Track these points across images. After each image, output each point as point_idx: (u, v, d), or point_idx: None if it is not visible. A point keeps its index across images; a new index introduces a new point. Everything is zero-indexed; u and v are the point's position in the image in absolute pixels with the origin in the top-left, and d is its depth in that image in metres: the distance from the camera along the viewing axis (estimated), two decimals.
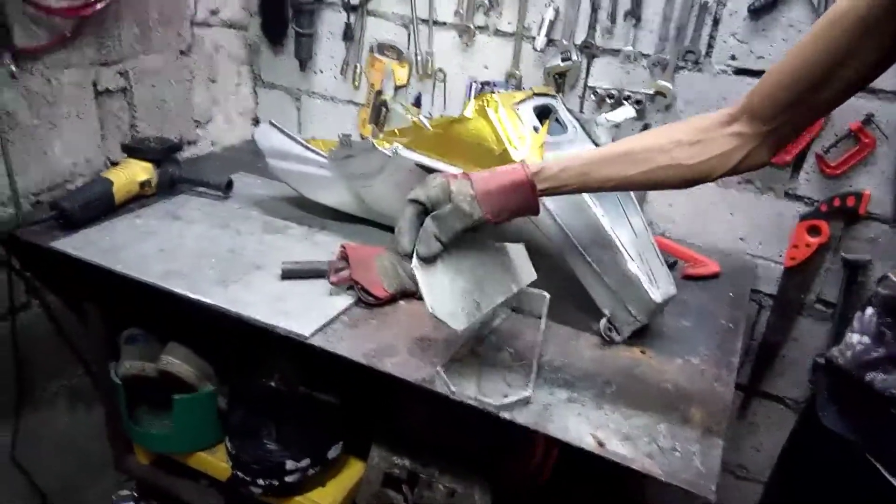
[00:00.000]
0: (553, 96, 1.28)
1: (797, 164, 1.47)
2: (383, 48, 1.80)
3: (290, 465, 1.48)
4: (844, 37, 0.68)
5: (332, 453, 1.53)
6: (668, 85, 1.51)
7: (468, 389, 1.00)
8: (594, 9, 1.53)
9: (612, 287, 1.13)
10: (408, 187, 1.31)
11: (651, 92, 1.53)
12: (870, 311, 0.76)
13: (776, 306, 1.58)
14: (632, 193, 1.21)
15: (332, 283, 1.22)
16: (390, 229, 1.45)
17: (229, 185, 1.59)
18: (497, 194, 0.88)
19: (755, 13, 1.39)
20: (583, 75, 1.60)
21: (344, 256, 1.24)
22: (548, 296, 1.18)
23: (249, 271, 1.28)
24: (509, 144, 1.15)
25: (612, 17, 1.52)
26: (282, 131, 1.47)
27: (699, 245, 1.60)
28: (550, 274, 1.14)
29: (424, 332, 1.15)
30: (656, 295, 1.11)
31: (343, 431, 1.56)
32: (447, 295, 0.93)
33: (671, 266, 1.45)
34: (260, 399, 1.58)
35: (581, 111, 1.63)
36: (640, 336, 1.18)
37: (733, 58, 1.45)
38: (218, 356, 1.57)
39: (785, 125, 0.77)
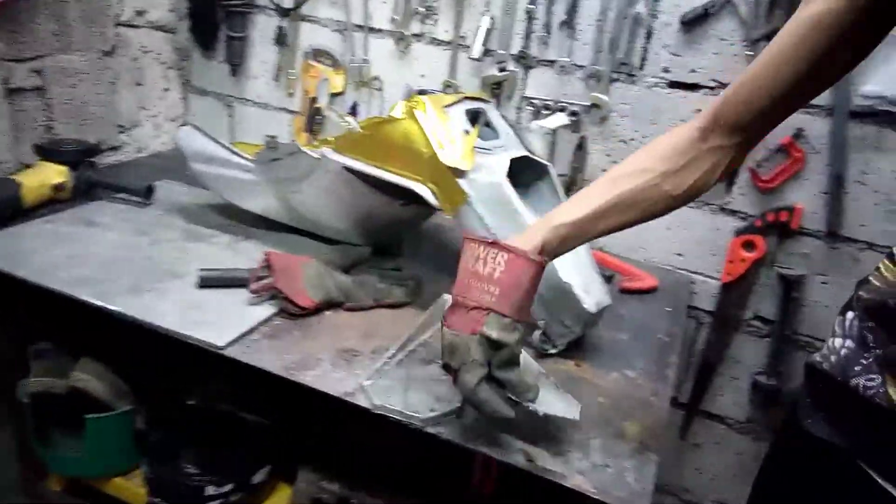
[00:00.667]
0: (486, 101, 1.25)
1: (731, 179, 1.47)
2: (318, 54, 1.75)
3: (211, 490, 1.39)
4: (825, 41, 0.67)
5: (259, 478, 1.44)
6: (604, 97, 1.50)
7: (393, 403, 0.94)
8: (530, 18, 1.51)
9: (545, 297, 1.09)
10: (336, 192, 1.27)
11: (587, 104, 1.52)
12: (850, 314, 0.75)
13: (714, 323, 1.58)
14: (562, 196, 1.18)
15: (252, 292, 1.14)
16: (321, 238, 1.40)
17: (150, 190, 1.50)
18: (523, 298, 0.82)
19: (687, 25, 1.40)
20: (519, 86, 1.58)
21: (267, 264, 1.17)
22: None
23: (165, 279, 1.20)
24: (438, 147, 1.11)
25: (548, 28, 1.51)
26: (206, 134, 1.40)
27: (638, 260, 1.58)
28: None
29: (350, 344, 1.09)
30: (590, 304, 1.08)
31: (271, 454, 1.47)
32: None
33: (608, 279, 1.43)
34: (180, 419, 1.49)
35: (518, 122, 1.61)
36: (576, 348, 1.15)
37: (666, 70, 1.45)
38: (135, 373, 1.47)
39: (759, 129, 0.78)
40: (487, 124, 1.24)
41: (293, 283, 1.15)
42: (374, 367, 1.02)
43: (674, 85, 1.46)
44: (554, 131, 1.25)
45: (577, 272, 1.10)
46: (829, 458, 0.76)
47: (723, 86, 1.42)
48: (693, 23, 1.39)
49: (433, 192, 1.13)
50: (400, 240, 1.39)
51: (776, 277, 1.49)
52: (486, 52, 1.58)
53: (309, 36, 1.76)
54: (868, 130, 1.34)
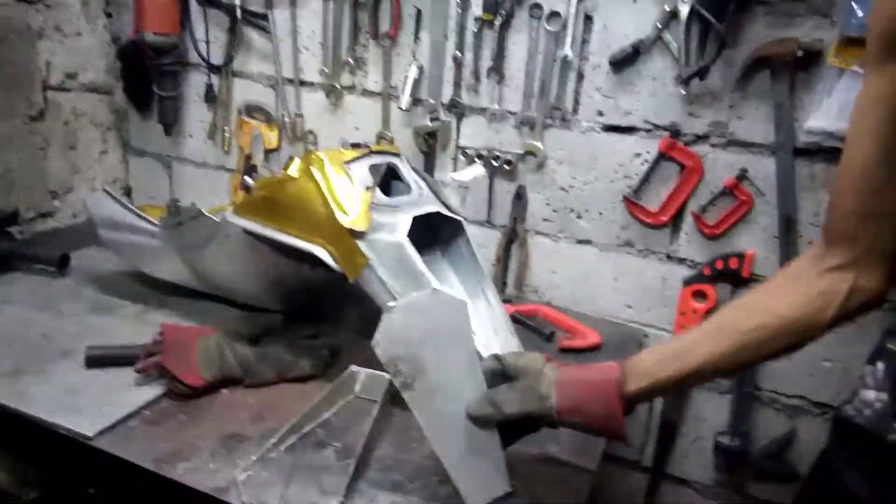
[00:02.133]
0: (396, 155, 1.17)
1: (675, 225, 1.38)
2: (251, 110, 1.70)
3: None
4: (888, 121, 0.65)
5: None
6: (538, 144, 1.42)
7: (269, 498, 0.84)
8: (458, 66, 1.45)
9: None
10: (240, 257, 1.19)
11: (521, 151, 1.44)
12: (880, 365, 0.73)
13: None
14: (477, 253, 1.09)
15: (137, 371, 1.05)
16: (236, 305, 1.31)
17: (64, 260, 1.42)
18: (576, 386, 0.80)
19: (617, 66, 1.32)
20: (454, 135, 1.51)
21: (160, 339, 1.09)
22: (387, 377, 1.04)
23: (54, 359, 1.11)
24: (335, 206, 1.02)
25: (477, 75, 1.44)
26: (115, 199, 1.33)
27: (586, 314, 1.48)
28: None
29: (237, 428, 0.99)
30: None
31: None
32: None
33: (548, 337, 1.33)
34: None
35: (474, 178, 1.53)
36: None
37: (600, 114, 1.38)
38: (43, 459, 1.37)
39: (878, 240, 0.70)
40: (399, 179, 1.16)
41: (184, 359, 1.06)
42: (257, 455, 0.91)
43: (609, 129, 1.38)
44: (467, 183, 1.17)
45: (486, 340, 1.00)
46: None
47: (658, 128, 1.34)
48: (623, 63, 1.32)
49: (332, 255, 1.04)
50: (318, 304, 1.29)
51: None
52: (417, 101, 1.51)
53: (242, 92, 1.71)
54: (817, 168, 1.25)
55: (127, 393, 1.03)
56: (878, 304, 0.73)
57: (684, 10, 1.25)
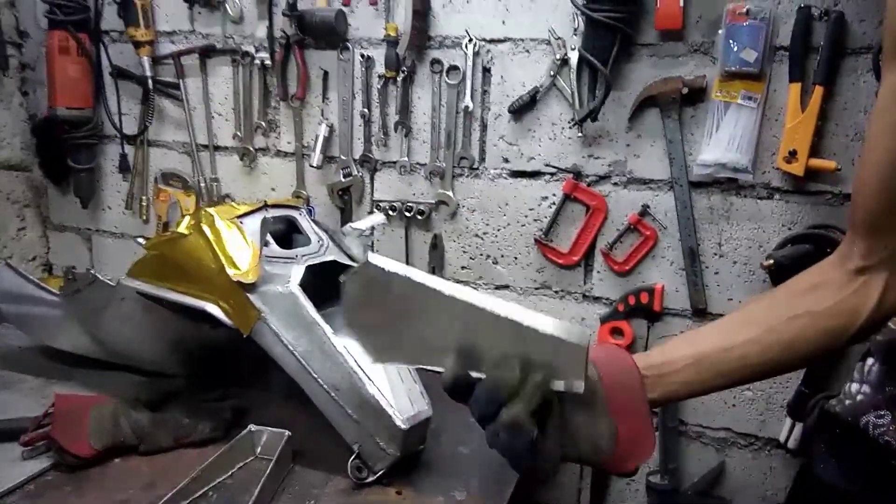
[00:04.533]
0: (295, 208, 1.17)
1: (587, 264, 1.39)
2: (168, 178, 1.69)
3: None
4: None
5: None
6: (449, 193, 1.44)
7: None
8: (366, 122, 1.47)
9: (353, 415, 0.97)
10: (137, 320, 1.16)
11: (433, 201, 1.46)
12: (870, 360, 0.73)
13: None
14: None
15: (22, 444, 1.00)
16: (142, 373, 1.27)
17: None
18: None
19: (516, 113, 1.36)
20: (368, 189, 1.52)
21: (51, 410, 1.04)
22: (287, 434, 1.01)
23: None
24: (226, 260, 1.01)
25: (385, 130, 1.46)
26: (16, 271, 1.30)
27: None
28: (309, 404, 0.99)
29: (126, 497, 0.94)
30: (401, 420, 0.95)
31: None
32: None
33: None
34: None
35: (373, 227, 1.53)
36: (402, 471, 1.01)
37: (506, 160, 1.40)
38: None
39: None
40: (298, 231, 1.16)
41: (74, 429, 1.01)
42: None
43: (515, 174, 1.41)
44: (367, 231, 1.17)
45: (389, 379, 0.98)
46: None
47: (561, 170, 1.37)
48: (522, 111, 1.36)
49: (224, 311, 1.02)
50: (226, 365, 1.26)
51: None
52: (330, 159, 1.52)
53: (158, 161, 1.71)
54: (715, 200, 1.29)
55: (10, 468, 0.98)
56: None
57: (574, 58, 1.30)
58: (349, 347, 0.97)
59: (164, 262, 1.07)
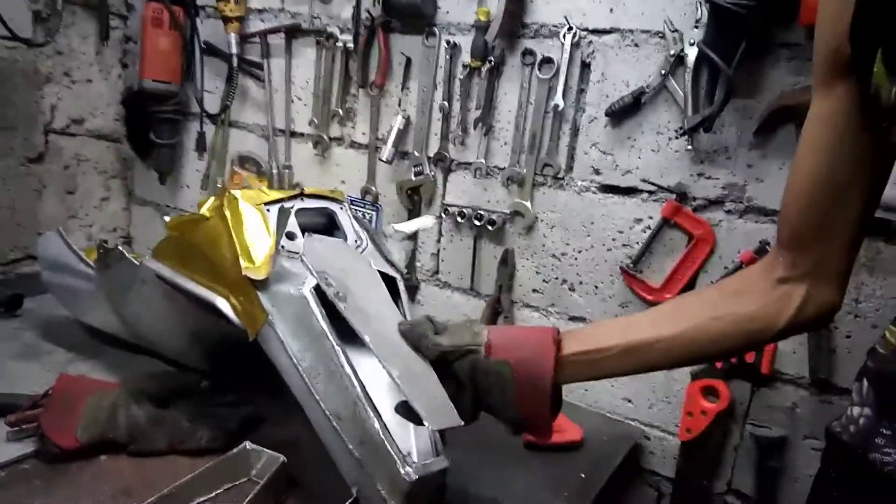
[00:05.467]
0: (337, 200, 1.03)
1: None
2: (244, 161, 1.62)
3: None
4: (835, 141, 0.65)
5: None
6: (527, 203, 1.25)
7: None
8: (445, 116, 1.31)
9: (354, 451, 0.80)
10: (156, 305, 1.06)
11: (508, 211, 1.27)
12: (865, 382, 0.72)
13: (676, 495, 1.19)
14: (407, 313, 0.91)
15: (8, 424, 0.92)
16: (168, 361, 1.17)
17: (14, 301, 1.35)
18: (510, 330, 0.91)
19: (615, 117, 1.15)
20: (440, 191, 1.36)
21: (50, 391, 0.96)
22: (282, 459, 0.87)
23: None
24: (241, 253, 0.88)
25: (464, 126, 1.30)
26: (64, 240, 1.25)
27: (577, 405, 1.25)
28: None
29: (94, 502, 0.83)
30: (407, 467, 0.78)
31: None
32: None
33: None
34: None
35: (440, 233, 1.37)
36: None
37: (597, 171, 1.19)
38: None
39: (829, 254, 0.69)
40: (336, 227, 1.02)
41: (66, 416, 0.92)
42: None
43: (606, 189, 1.19)
44: (410, 235, 1.01)
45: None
46: None
47: (662, 189, 1.14)
48: (622, 115, 1.15)
49: (234, 308, 0.89)
50: (250, 366, 1.13)
51: (750, 438, 1.11)
52: (403, 154, 1.38)
53: (238, 143, 1.64)
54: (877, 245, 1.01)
55: None
56: (833, 316, 0.74)
57: (692, 54, 1.07)
58: (361, 369, 0.81)
59: (183, 246, 0.97)
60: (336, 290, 0.82)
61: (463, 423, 0.74)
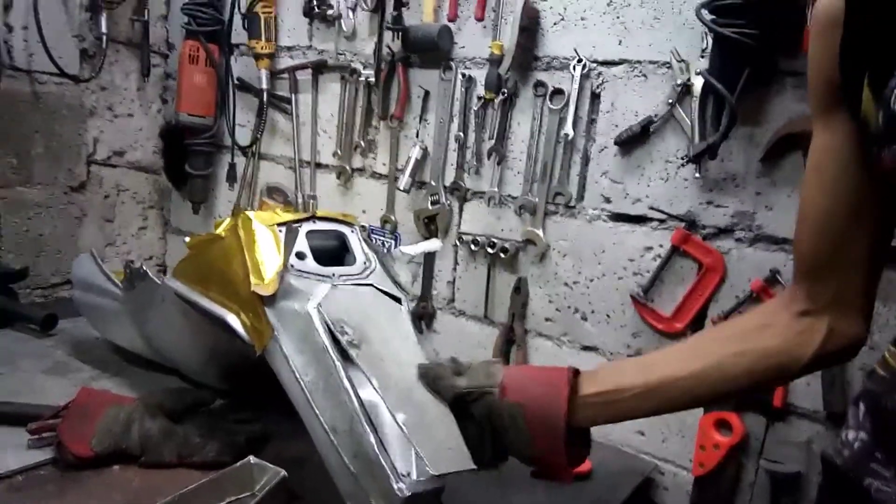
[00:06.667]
0: (348, 224, 1.06)
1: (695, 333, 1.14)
2: (272, 191, 1.68)
3: None
4: (838, 171, 0.65)
5: None
6: (539, 232, 1.26)
7: None
8: (461, 147, 1.35)
9: (349, 466, 0.82)
10: (175, 323, 1.10)
11: (521, 240, 1.29)
12: (862, 405, 0.70)
13: None
14: (411, 335, 0.93)
15: (29, 432, 0.96)
16: (188, 380, 1.21)
17: (49, 321, 1.41)
18: (525, 371, 0.89)
19: (624, 146, 1.17)
20: (455, 219, 1.39)
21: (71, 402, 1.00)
22: (282, 473, 0.89)
23: None
24: (252, 270, 0.92)
25: (478, 156, 1.33)
26: (95, 260, 1.31)
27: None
28: None
29: None
30: (402, 486, 0.78)
31: None
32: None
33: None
34: None
35: (456, 262, 1.39)
36: None
37: (607, 200, 1.21)
38: None
39: (847, 285, 0.68)
40: (346, 249, 1.05)
41: (83, 426, 0.96)
42: None
43: (617, 217, 1.20)
44: (416, 258, 1.03)
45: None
46: None
47: (672, 217, 1.14)
48: (631, 144, 1.16)
49: (244, 325, 0.92)
50: (262, 383, 1.16)
51: (764, 474, 1.08)
52: (420, 184, 1.42)
53: (267, 173, 1.71)
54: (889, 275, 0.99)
55: (11, 454, 0.94)
56: (858, 349, 0.72)
57: (698, 84, 1.09)
58: (359, 384, 0.83)
59: (200, 264, 1.01)
60: (351, 339, 0.84)
61: (476, 466, 0.75)
